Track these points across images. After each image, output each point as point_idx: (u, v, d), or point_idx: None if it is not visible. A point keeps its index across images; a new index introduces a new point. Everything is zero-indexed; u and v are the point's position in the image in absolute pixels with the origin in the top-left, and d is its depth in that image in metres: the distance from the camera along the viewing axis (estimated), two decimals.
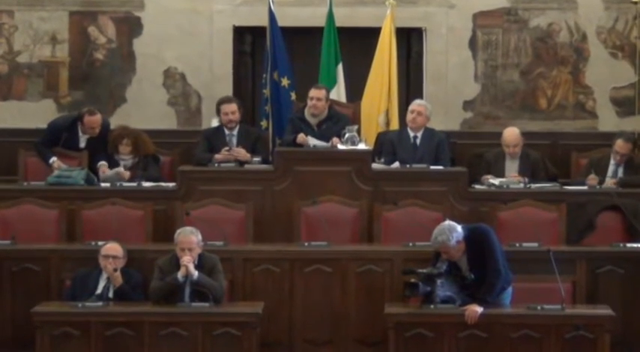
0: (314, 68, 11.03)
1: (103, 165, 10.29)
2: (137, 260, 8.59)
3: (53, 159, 10.32)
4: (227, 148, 10.13)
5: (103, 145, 10.51)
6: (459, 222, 8.29)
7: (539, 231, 9.35)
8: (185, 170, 10.13)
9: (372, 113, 10.98)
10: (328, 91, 10.57)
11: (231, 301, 8.45)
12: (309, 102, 10.40)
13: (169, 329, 8.02)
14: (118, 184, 10.04)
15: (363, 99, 11.08)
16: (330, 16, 10.96)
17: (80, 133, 10.55)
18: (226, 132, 10.45)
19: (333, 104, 10.68)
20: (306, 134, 10.26)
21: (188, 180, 9.94)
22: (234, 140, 10.40)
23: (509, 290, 8.29)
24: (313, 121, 10.40)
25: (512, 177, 10.16)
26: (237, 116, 10.43)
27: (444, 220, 8.43)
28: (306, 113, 10.44)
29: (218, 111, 10.55)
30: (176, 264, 8.24)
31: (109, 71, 11.77)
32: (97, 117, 10.48)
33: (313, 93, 10.41)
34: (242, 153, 10.08)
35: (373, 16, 11.07)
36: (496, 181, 10.08)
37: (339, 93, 10.90)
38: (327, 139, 10.08)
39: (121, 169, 10.21)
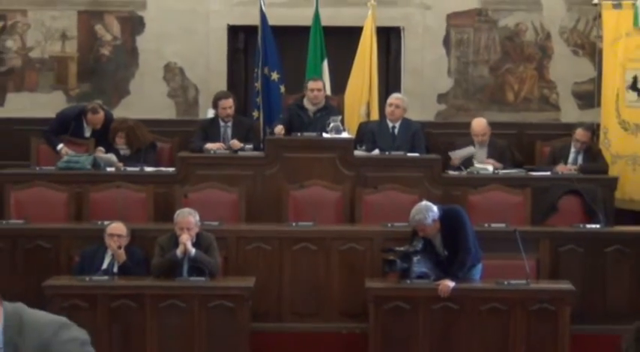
0: (301, 64, 11.01)
1: (100, 149, 10.28)
2: (139, 238, 8.59)
3: (61, 146, 10.30)
4: (226, 147, 10.16)
5: (106, 135, 10.49)
6: (434, 204, 8.32)
7: (506, 212, 9.38)
8: (183, 156, 10.12)
9: (355, 105, 10.96)
10: (315, 83, 10.54)
11: (225, 276, 8.45)
12: (311, 94, 10.40)
13: (169, 302, 8.04)
14: (121, 169, 10.04)
15: (346, 92, 11.06)
16: (316, 16, 10.93)
17: (85, 124, 10.53)
18: (221, 123, 10.44)
19: (328, 97, 10.71)
20: (302, 120, 10.32)
21: (186, 166, 9.93)
22: (229, 130, 10.39)
23: (479, 266, 8.31)
24: (312, 109, 10.42)
25: (487, 163, 10.18)
26: (233, 110, 10.44)
27: (421, 201, 8.45)
28: (306, 102, 10.45)
29: (215, 105, 10.52)
30: (175, 242, 8.24)
31: (113, 66, 11.74)
32: (99, 116, 10.48)
33: (313, 85, 10.42)
34: (236, 145, 10.07)
35: (355, 16, 11.05)
36: (459, 153, 10.13)
37: (324, 86, 10.87)
38: (319, 126, 10.08)
39: (113, 157, 10.19)
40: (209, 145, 10.14)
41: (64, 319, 3.32)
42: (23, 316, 3.30)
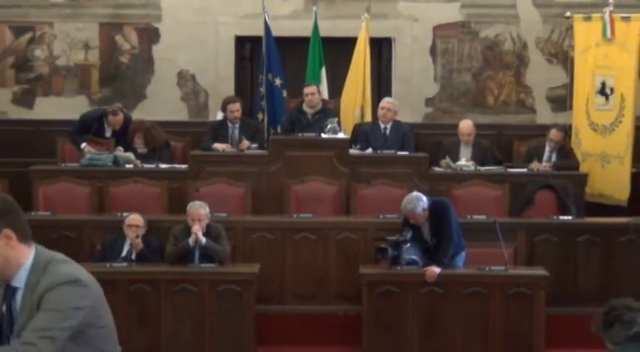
0: (302, 71, 11.00)
1: (119, 148, 10.29)
2: (155, 228, 8.59)
3: (84, 145, 10.29)
4: (232, 146, 10.17)
5: (125, 135, 10.48)
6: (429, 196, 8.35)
7: (487, 205, 9.39)
8: (195, 154, 10.10)
9: (350, 108, 10.95)
10: (318, 87, 10.57)
11: (233, 263, 8.47)
12: (306, 98, 10.41)
13: (181, 286, 8.05)
14: (138, 166, 10.04)
15: (342, 96, 11.05)
16: (315, 27, 10.92)
17: (106, 125, 10.53)
18: (229, 125, 10.42)
19: (325, 101, 10.70)
20: (302, 122, 10.31)
21: (198, 163, 9.92)
22: (236, 131, 10.38)
23: (463, 254, 8.32)
24: (310, 112, 10.40)
25: (465, 161, 10.19)
26: (240, 113, 10.44)
27: (413, 192, 8.46)
28: (305, 106, 10.44)
29: (224, 109, 10.53)
30: (188, 232, 8.25)
31: (132, 72, 11.72)
32: (119, 118, 10.48)
33: (307, 90, 10.44)
34: (245, 145, 10.08)
35: (351, 28, 11.03)
36: (452, 164, 10.09)
37: (322, 91, 10.87)
38: (318, 127, 10.07)
39: (132, 155, 10.20)
40: (217, 145, 10.17)
41: (74, 278, 3.38)
42: (50, 264, 3.37)
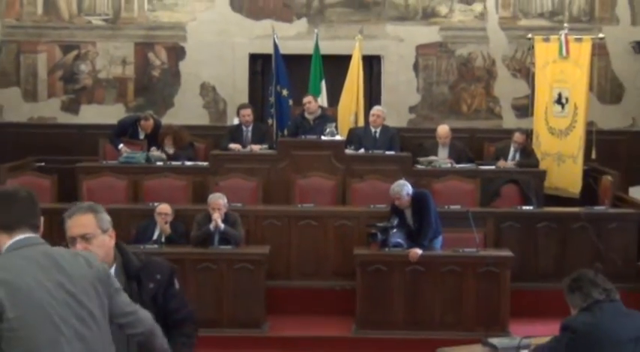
0: (305, 83, 10.98)
1: (153, 149, 10.28)
2: (181, 216, 8.54)
3: (121, 146, 10.28)
4: (250, 148, 10.17)
5: (155, 137, 10.46)
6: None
7: (461, 197, 9.35)
8: (215, 153, 10.08)
9: (345, 114, 10.92)
10: (314, 97, 10.53)
11: (246, 245, 8.41)
12: (305, 106, 10.40)
13: (203, 264, 8.04)
14: (167, 163, 10.02)
15: (339, 105, 11.02)
16: (316, 47, 10.91)
17: (140, 129, 10.51)
18: (243, 128, 10.41)
19: (324, 108, 10.67)
20: (304, 127, 10.27)
21: (217, 161, 9.89)
22: (249, 134, 10.37)
23: (440, 238, 8.29)
24: (310, 118, 10.36)
25: (443, 159, 10.18)
26: (251, 117, 10.43)
27: (400, 180, 8.49)
28: (305, 113, 10.41)
29: (238, 114, 10.57)
30: (208, 219, 8.22)
31: (162, 84, 11.70)
32: (150, 123, 10.47)
33: (305, 99, 10.42)
34: (255, 149, 10.08)
35: (346, 47, 11.00)
36: (432, 162, 10.09)
37: (322, 100, 10.86)
38: (318, 131, 10.05)
39: (162, 154, 10.20)
40: (232, 146, 10.17)
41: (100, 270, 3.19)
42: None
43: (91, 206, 3.65)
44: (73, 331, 2.94)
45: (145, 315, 3.35)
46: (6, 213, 3.12)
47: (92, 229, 3.52)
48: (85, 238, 3.48)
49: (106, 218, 3.62)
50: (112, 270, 3.50)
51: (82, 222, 3.52)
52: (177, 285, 3.78)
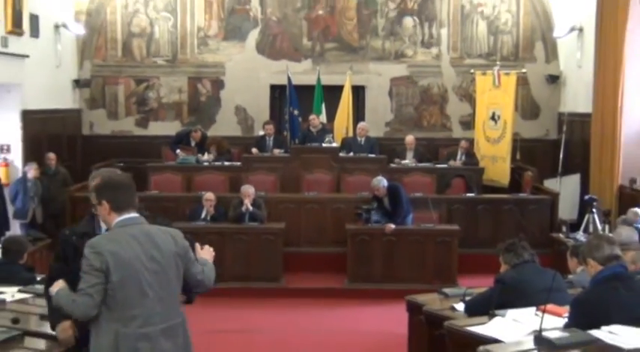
0: (310, 105, 10.94)
1: (205, 154, 10.24)
2: (221, 201, 8.51)
3: (178, 151, 10.23)
4: (271, 153, 10.13)
5: (203, 145, 10.42)
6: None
7: (423, 187, 9.36)
8: (246, 156, 10.03)
9: (340, 128, 10.88)
10: (317, 115, 10.55)
11: (268, 222, 8.41)
12: (310, 122, 10.41)
13: (237, 236, 8.04)
14: (211, 163, 9.96)
15: (335, 121, 10.98)
16: (318, 79, 10.87)
17: (191, 139, 10.47)
18: (267, 138, 10.35)
19: (324, 124, 10.64)
20: (310, 137, 10.25)
21: (247, 161, 9.87)
22: (271, 142, 10.32)
23: (410, 216, 8.27)
24: (314, 130, 10.33)
25: (410, 160, 10.17)
26: (272, 130, 10.40)
27: (378, 176, 8.47)
28: (311, 127, 10.41)
29: (263, 128, 10.55)
30: (241, 204, 8.22)
31: (207, 107, 11.67)
32: (198, 134, 10.42)
33: (310, 117, 10.44)
34: (276, 153, 10.07)
35: (340, 79, 10.97)
36: (401, 162, 10.08)
37: (323, 117, 10.84)
38: (320, 140, 10.03)
39: (210, 157, 10.18)
40: (253, 150, 10.15)
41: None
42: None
43: None
44: (155, 293, 2.97)
45: (208, 275, 3.27)
46: (118, 196, 3.07)
47: None
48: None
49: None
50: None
51: None
52: None
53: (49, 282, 3.23)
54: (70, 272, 3.09)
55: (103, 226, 3.20)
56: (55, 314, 3.22)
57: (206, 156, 10.19)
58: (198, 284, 3.21)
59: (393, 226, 7.94)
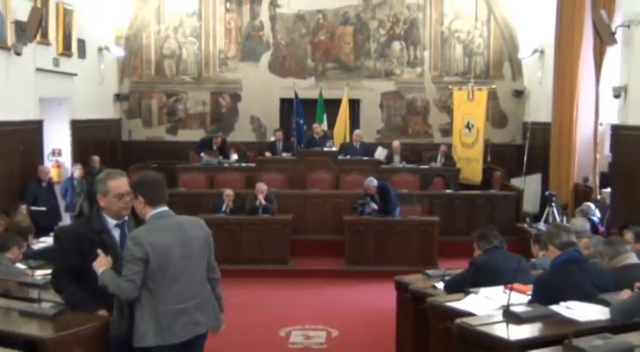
0: (314, 116, 10.92)
1: (229, 157, 10.24)
2: (239, 196, 8.47)
3: (202, 154, 10.22)
4: (280, 156, 10.06)
5: (224, 149, 10.39)
6: (376, 179, 8.28)
7: (409, 184, 9.34)
8: (260, 159, 10.00)
9: (339, 134, 10.86)
10: (319, 124, 10.54)
11: (278, 213, 8.40)
12: (314, 130, 10.38)
13: (252, 226, 8.01)
14: (231, 165, 9.92)
15: (335, 128, 10.98)
16: (321, 94, 10.87)
17: (213, 144, 10.44)
18: (277, 143, 10.35)
19: (325, 131, 10.61)
20: (314, 143, 10.16)
21: (261, 163, 9.84)
22: (281, 147, 10.31)
23: (398, 209, 8.25)
24: (317, 137, 10.32)
25: (397, 162, 10.13)
26: (282, 137, 10.38)
27: (370, 177, 8.43)
28: (314, 134, 10.37)
29: (274, 134, 10.54)
30: (255, 198, 8.21)
31: (227, 117, 11.67)
32: (219, 140, 10.40)
33: (314, 126, 10.42)
34: (285, 156, 10.04)
35: (339, 94, 10.97)
36: (390, 164, 10.04)
37: (324, 126, 10.83)
38: (322, 145, 10.00)
39: (230, 159, 10.16)
40: (267, 154, 10.11)
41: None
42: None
43: (121, 172, 3.24)
44: (187, 274, 2.98)
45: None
46: (154, 192, 3.05)
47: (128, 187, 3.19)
48: (129, 193, 3.13)
49: None
50: (126, 217, 3.17)
51: (124, 182, 3.19)
52: None
53: (60, 278, 3.12)
54: (83, 265, 3.02)
55: (109, 219, 3.14)
56: (88, 306, 3.09)
57: (232, 158, 10.20)
58: (212, 269, 3.18)
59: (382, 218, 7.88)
